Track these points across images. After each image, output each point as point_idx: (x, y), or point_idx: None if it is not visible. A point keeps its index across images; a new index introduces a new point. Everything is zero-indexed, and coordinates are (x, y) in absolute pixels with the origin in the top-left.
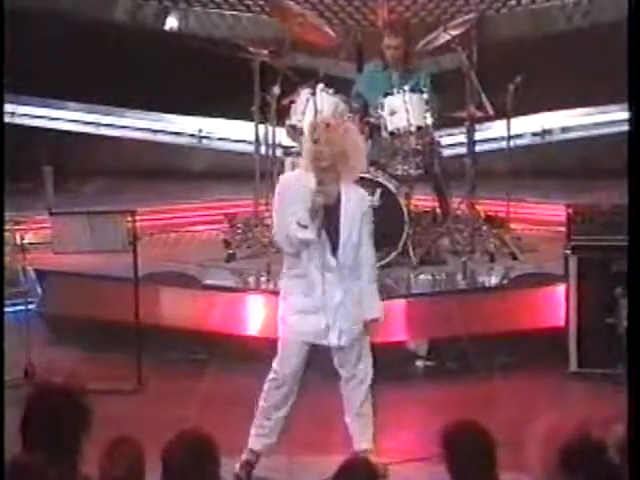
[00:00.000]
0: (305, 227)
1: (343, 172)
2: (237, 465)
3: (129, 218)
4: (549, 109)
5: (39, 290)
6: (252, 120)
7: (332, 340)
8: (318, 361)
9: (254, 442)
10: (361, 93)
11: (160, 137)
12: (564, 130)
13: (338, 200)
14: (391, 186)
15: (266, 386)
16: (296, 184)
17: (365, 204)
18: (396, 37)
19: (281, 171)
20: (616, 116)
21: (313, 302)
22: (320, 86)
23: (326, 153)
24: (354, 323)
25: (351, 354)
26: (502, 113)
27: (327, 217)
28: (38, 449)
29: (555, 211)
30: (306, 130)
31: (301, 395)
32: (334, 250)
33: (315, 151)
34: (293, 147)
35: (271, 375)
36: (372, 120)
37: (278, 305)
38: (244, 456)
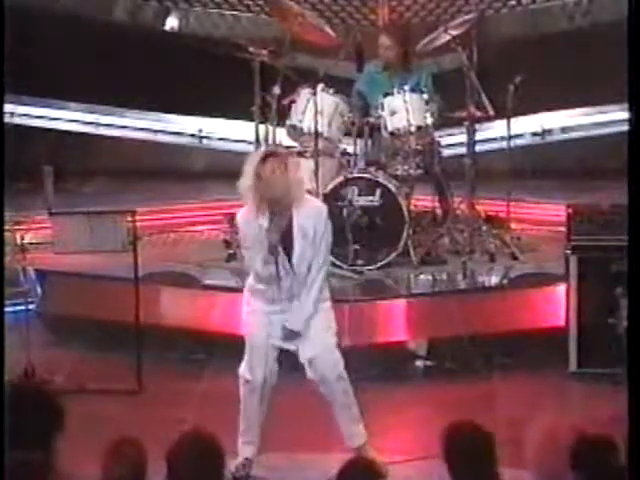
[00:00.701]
0: (268, 263)
1: (293, 201)
2: (233, 467)
3: (129, 218)
4: (549, 109)
5: (39, 290)
6: (252, 120)
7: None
8: None
9: (244, 450)
10: (362, 92)
11: (160, 137)
12: (564, 130)
13: (290, 220)
14: (391, 186)
15: (242, 392)
16: (253, 224)
17: (320, 214)
18: (389, 37)
19: None
20: (616, 116)
21: (276, 305)
22: (320, 86)
23: (276, 196)
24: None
25: (315, 361)
26: (502, 113)
27: (282, 240)
28: (17, 448)
29: (555, 211)
30: (245, 178)
31: (300, 393)
32: (292, 269)
33: (266, 197)
34: (293, 147)
35: (243, 381)
36: (372, 120)
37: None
38: (239, 460)
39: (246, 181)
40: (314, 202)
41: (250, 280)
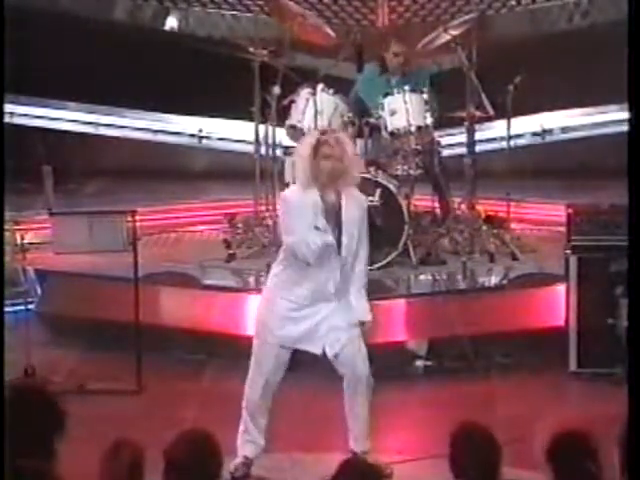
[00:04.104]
0: (325, 231)
1: (344, 181)
2: (232, 467)
3: (129, 218)
4: (549, 109)
5: (39, 290)
6: (252, 120)
7: (319, 349)
8: (317, 360)
9: (244, 449)
10: (360, 95)
11: (160, 137)
12: (564, 130)
13: (339, 205)
14: (391, 186)
15: (246, 389)
16: (300, 202)
17: (363, 206)
18: (401, 44)
19: (281, 171)
20: (616, 116)
21: (304, 309)
22: (320, 86)
23: (339, 168)
24: (346, 329)
25: (345, 358)
26: (502, 113)
27: (329, 223)
28: (16, 449)
29: (555, 211)
30: (306, 148)
31: (301, 394)
32: (338, 254)
33: (330, 167)
34: (293, 147)
35: (248, 379)
36: (372, 120)
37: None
38: (237, 460)
39: (303, 156)
40: (357, 191)
41: (279, 271)
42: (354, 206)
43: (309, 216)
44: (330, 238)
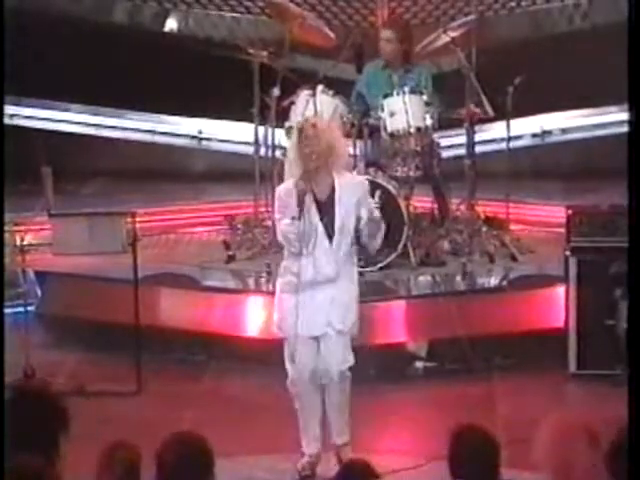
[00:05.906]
0: (299, 219)
1: (333, 164)
2: (299, 466)
3: (129, 219)
4: (549, 110)
5: (38, 291)
6: (252, 121)
7: (329, 330)
8: None
9: (308, 448)
10: (362, 94)
11: (160, 138)
12: (564, 131)
13: (333, 191)
14: (391, 187)
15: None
16: (288, 194)
17: (360, 189)
18: (391, 30)
19: (281, 172)
20: (616, 117)
21: (308, 296)
22: (320, 87)
23: (317, 151)
24: (349, 312)
25: (339, 344)
26: (502, 114)
27: (323, 209)
28: (18, 450)
29: (555, 212)
30: (293, 138)
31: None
32: (330, 240)
33: (306, 153)
34: None
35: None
36: (372, 121)
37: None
38: (304, 459)
39: (291, 146)
40: (354, 176)
41: (281, 268)
42: (347, 191)
43: (293, 207)
44: (303, 227)
